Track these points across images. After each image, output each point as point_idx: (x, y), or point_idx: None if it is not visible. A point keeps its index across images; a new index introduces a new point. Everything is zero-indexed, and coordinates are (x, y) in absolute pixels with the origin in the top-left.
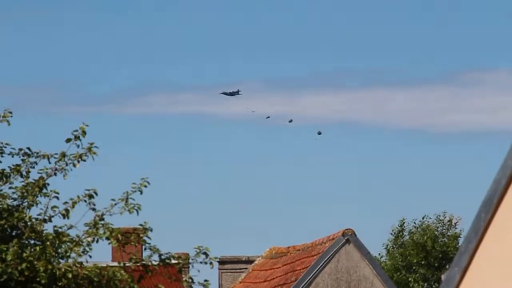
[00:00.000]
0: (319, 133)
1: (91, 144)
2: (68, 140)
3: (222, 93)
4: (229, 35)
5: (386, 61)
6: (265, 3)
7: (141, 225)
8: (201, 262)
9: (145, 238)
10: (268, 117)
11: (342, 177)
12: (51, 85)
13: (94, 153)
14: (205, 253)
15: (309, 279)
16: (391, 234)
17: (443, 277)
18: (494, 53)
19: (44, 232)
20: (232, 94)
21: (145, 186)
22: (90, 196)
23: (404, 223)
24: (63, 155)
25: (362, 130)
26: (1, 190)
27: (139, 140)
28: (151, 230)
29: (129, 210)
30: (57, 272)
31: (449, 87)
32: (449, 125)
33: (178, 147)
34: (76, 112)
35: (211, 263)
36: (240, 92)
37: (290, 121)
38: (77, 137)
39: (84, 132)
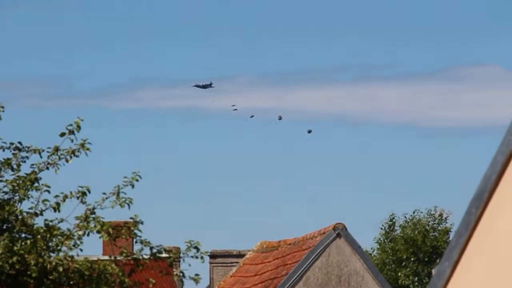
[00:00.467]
0: (309, 132)
1: (85, 140)
2: (62, 134)
3: (195, 86)
4: (221, 29)
5: (377, 56)
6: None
7: (131, 218)
8: (192, 256)
9: (136, 231)
10: (252, 116)
11: (333, 171)
12: (42, 79)
13: (88, 149)
14: (196, 247)
15: (300, 273)
16: (381, 228)
17: (433, 271)
18: (484, 48)
19: (35, 225)
20: (204, 86)
21: (137, 180)
22: (83, 194)
23: (394, 217)
24: (56, 149)
25: (353, 124)
26: None
27: (130, 134)
28: (141, 223)
29: (120, 204)
30: (48, 266)
31: (440, 82)
32: (440, 120)
33: (169, 141)
34: (67, 107)
35: (202, 257)
36: (213, 85)
37: (280, 118)
38: (71, 132)
39: (78, 127)
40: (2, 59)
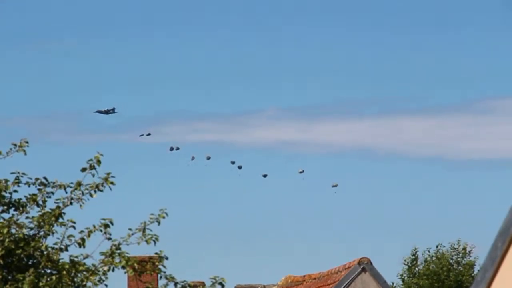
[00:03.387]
0: (239, 167)
1: (108, 174)
2: (84, 170)
3: (96, 112)
4: (247, 62)
5: (404, 89)
6: (284, 30)
7: (156, 253)
8: None
9: (160, 266)
10: (237, 165)
11: (358, 204)
12: (67, 114)
13: (112, 182)
14: (220, 284)
15: None
16: (404, 264)
17: None
18: (510, 81)
19: (60, 261)
20: (107, 112)
21: (163, 217)
22: (106, 226)
23: (416, 252)
24: (79, 184)
25: (379, 157)
26: (17, 220)
27: (156, 169)
28: (166, 258)
29: (146, 241)
30: None
31: (466, 115)
32: (465, 153)
33: (194, 175)
34: (92, 141)
35: None
36: (116, 110)
37: (265, 175)
38: (92, 167)
39: (99, 162)
40: (28, 94)
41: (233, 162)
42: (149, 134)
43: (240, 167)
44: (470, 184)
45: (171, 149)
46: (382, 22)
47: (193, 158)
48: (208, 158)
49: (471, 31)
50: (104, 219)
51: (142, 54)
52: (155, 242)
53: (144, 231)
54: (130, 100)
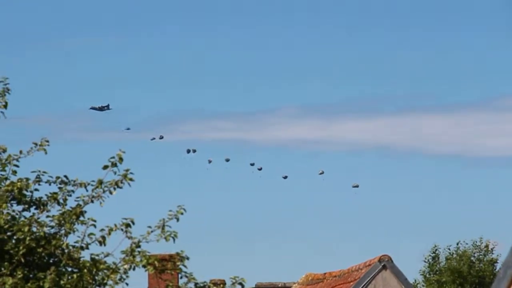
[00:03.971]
0: (322, 173)
1: (127, 170)
2: (105, 167)
3: (91, 108)
4: (265, 60)
5: (423, 86)
6: (301, 28)
7: (177, 253)
8: None
9: (181, 266)
10: (257, 166)
11: (378, 202)
12: (87, 112)
13: (131, 179)
14: (240, 284)
15: None
16: (424, 261)
17: None
18: None
19: (81, 259)
20: (101, 109)
21: (182, 214)
22: (127, 225)
23: (436, 249)
24: (100, 182)
25: (399, 155)
26: (38, 218)
27: (174, 167)
28: (187, 258)
29: (165, 238)
30: None
31: (486, 112)
32: (486, 150)
33: (214, 173)
34: (112, 139)
35: None
36: (110, 107)
37: (285, 177)
38: (114, 164)
39: (121, 159)
40: (49, 93)
41: (252, 164)
42: (161, 137)
43: (260, 169)
44: (491, 181)
45: (188, 151)
46: (400, 20)
47: (210, 161)
48: (227, 160)
49: (490, 27)
50: (126, 219)
51: (160, 52)
52: (174, 239)
53: (163, 228)
54: (148, 99)
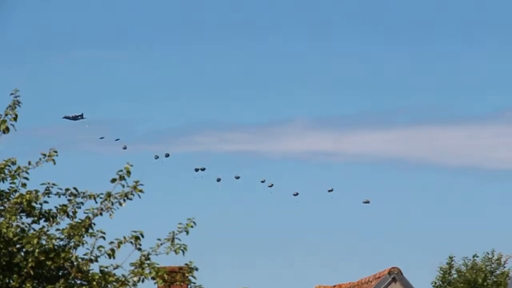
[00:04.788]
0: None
1: (137, 182)
2: (113, 180)
3: (64, 117)
4: (278, 72)
5: (437, 98)
6: (314, 41)
7: (186, 264)
8: None
9: (190, 277)
10: (267, 183)
11: (390, 214)
12: (98, 124)
13: (140, 190)
14: None
15: None
16: (439, 272)
17: None
18: None
19: (91, 272)
20: (75, 118)
21: (192, 227)
22: (136, 238)
23: (452, 260)
24: (109, 195)
25: (412, 167)
26: (47, 231)
27: (187, 179)
28: (196, 269)
29: (175, 251)
30: None
31: (499, 124)
32: (499, 163)
33: (226, 186)
34: (125, 151)
35: None
36: (84, 116)
37: (296, 194)
38: (122, 177)
39: (128, 172)
40: (60, 104)
41: (263, 181)
42: (167, 155)
43: (271, 186)
44: (504, 194)
45: (196, 170)
46: (413, 32)
47: (219, 179)
48: (237, 177)
49: (506, 40)
50: (135, 231)
51: (172, 64)
52: (183, 252)
53: (172, 241)
54: (160, 110)
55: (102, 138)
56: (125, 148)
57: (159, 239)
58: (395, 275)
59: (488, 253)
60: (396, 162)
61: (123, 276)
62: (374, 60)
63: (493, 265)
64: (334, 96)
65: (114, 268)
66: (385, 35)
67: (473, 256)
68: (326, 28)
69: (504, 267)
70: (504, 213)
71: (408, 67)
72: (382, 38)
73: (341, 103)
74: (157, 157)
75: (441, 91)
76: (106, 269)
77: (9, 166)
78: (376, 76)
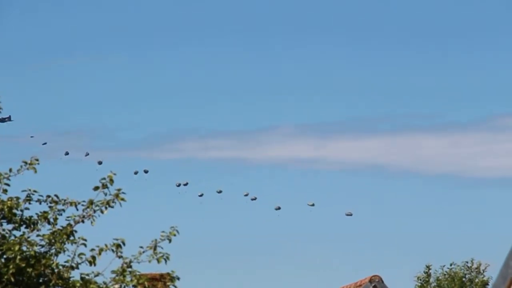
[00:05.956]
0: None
1: (119, 190)
2: (96, 188)
3: None
4: (262, 80)
5: (419, 106)
6: (298, 48)
7: (168, 274)
8: None
9: (171, 287)
10: (220, 191)
11: (371, 221)
12: (84, 131)
13: (122, 199)
14: None
15: None
16: (416, 281)
17: None
18: None
19: (71, 279)
20: (2, 120)
21: (174, 235)
22: (118, 246)
23: (429, 269)
24: (91, 202)
25: (392, 175)
26: (28, 237)
27: (171, 185)
28: (178, 279)
29: (157, 259)
30: None
31: (480, 133)
32: (479, 171)
33: (210, 192)
34: (109, 158)
35: None
36: (12, 119)
37: (278, 208)
38: (104, 186)
39: (111, 181)
40: (44, 112)
41: (246, 194)
42: (146, 172)
43: (254, 199)
44: (484, 202)
45: (178, 185)
46: (396, 40)
47: (201, 194)
48: (219, 192)
49: (485, 49)
50: (116, 239)
51: (156, 71)
52: (166, 261)
53: (155, 249)
54: (145, 118)
55: (67, 154)
56: (100, 163)
57: (141, 247)
58: (376, 283)
59: (467, 262)
60: (378, 169)
61: (104, 283)
62: (357, 68)
63: (472, 273)
64: (317, 103)
65: (95, 276)
66: (369, 43)
67: (451, 265)
68: (310, 36)
69: (484, 275)
70: (485, 221)
71: (391, 75)
72: (366, 47)
73: (324, 111)
74: (136, 173)
75: (423, 99)
76: (87, 277)
77: None
78: (359, 84)
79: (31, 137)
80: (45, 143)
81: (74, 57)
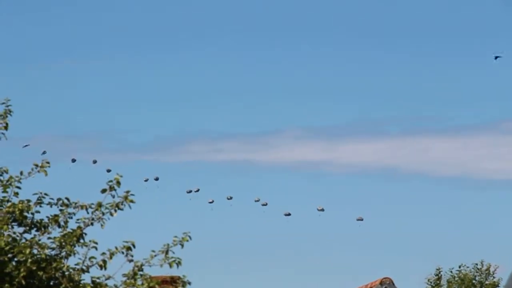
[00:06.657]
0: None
1: (128, 192)
2: (104, 191)
3: None
4: (271, 82)
5: (428, 108)
6: (307, 50)
7: (179, 278)
8: None
9: None
10: (212, 201)
11: (381, 224)
12: (93, 134)
13: (131, 201)
14: None
15: None
16: (427, 283)
17: None
18: None
19: (82, 282)
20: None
21: (187, 241)
22: (128, 248)
23: (440, 272)
24: (100, 205)
25: (402, 177)
26: (39, 240)
27: (180, 188)
28: (189, 283)
29: (169, 264)
30: None
31: (490, 135)
32: (489, 173)
33: (221, 195)
34: (117, 161)
35: None
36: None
37: (288, 214)
38: (112, 188)
39: (118, 183)
40: (51, 113)
41: (257, 200)
42: (157, 179)
43: (265, 204)
44: (494, 204)
45: (189, 191)
46: (405, 43)
47: (212, 201)
48: (230, 198)
49: (495, 53)
50: (126, 242)
51: (164, 73)
52: (178, 266)
53: (167, 253)
54: (153, 120)
55: (74, 161)
56: (108, 171)
57: (153, 251)
58: (387, 285)
59: (477, 264)
60: (387, 172)
61: (115, 286)
62: (366, 71)
63: (482, 276)
64: (326, 106)
65: (106, 279)
66: (376, 45)
67: (460, 267)
68: (316, 38)
69: (494, 277)
70: (493, 223)
71: (401, 78)
72: (373, 49)
73: (332, 113)
74: (147, 180)
75: (432, 101)
76: (97, 280)
77: (1, 175)
78: (367, 86)
79: (26, 145)
80: (44, 152)
81: (81, 59)
